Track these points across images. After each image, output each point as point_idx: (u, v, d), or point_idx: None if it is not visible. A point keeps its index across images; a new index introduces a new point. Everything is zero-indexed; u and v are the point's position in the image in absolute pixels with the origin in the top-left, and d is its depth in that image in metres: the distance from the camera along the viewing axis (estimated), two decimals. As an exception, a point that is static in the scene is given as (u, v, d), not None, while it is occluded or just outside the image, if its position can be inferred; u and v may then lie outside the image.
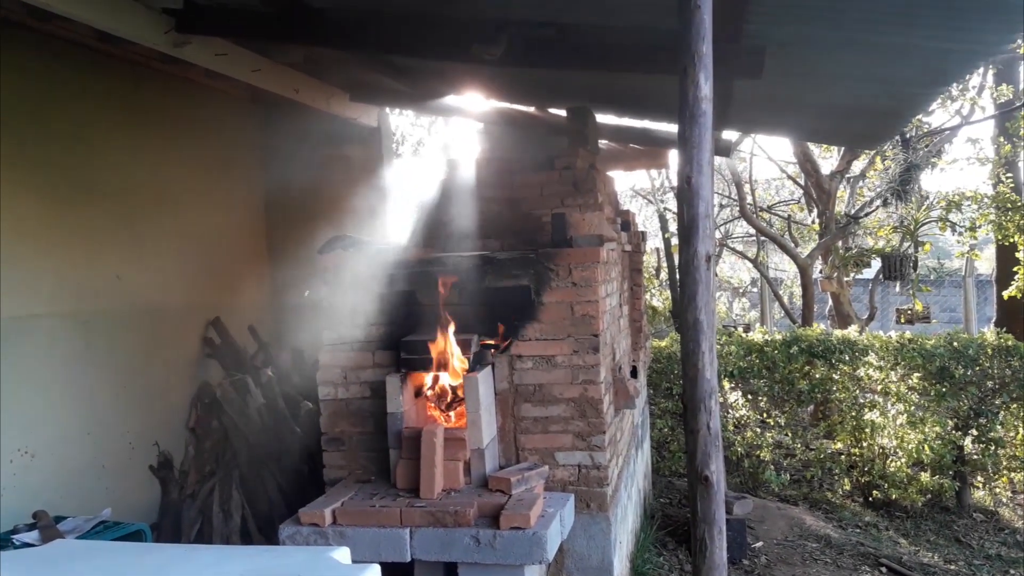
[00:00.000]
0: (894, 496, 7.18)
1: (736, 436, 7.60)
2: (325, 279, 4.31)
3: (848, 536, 6.36)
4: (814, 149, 11.26)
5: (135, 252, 5.35)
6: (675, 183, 11.43)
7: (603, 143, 6.15)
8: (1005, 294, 9.79)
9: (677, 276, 8.41)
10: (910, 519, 7.13)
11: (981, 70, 10.64)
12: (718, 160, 9.83)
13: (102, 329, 5.04)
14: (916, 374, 7.30)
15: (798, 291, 13.55)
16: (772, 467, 7.53)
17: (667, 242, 12.24)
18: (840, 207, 11.57)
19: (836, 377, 7.56)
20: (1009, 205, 9.33)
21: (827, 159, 11.89)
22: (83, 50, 4.92)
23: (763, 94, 4.69)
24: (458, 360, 4.01)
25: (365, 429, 4.23)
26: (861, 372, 7.51)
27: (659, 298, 12.84)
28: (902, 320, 13.34)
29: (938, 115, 11.63)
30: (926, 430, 7.12)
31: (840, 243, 11.30)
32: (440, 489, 3.77)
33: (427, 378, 4.11)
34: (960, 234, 10.54)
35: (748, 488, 7.34)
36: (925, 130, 10.70)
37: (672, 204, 13.24)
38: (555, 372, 4.03)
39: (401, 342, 4.10)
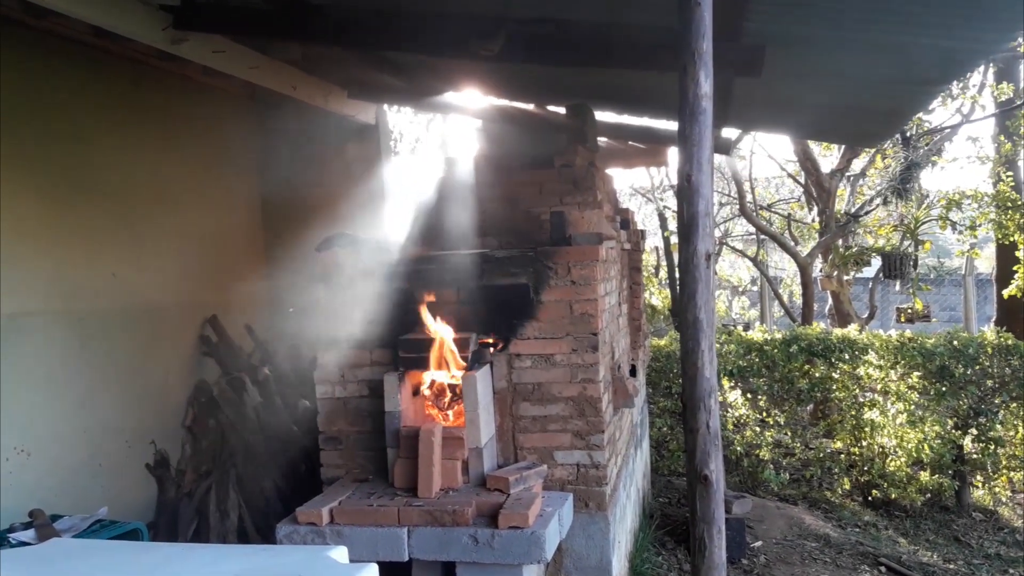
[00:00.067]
0: (893, 495, 7.18)
1: (735, 435, 7.59)
2: (322, 277, 4.30)
3: (847, 535, 6.35)
4: (814, 147, 11.24)
5: (131, 250, 5.33)
6: (675, 181, 11.42)
7: (602, 140, 6.13)
8: (1005, 293, 9.78)
9: (676, 274, 8.40)
10: (909, 518, 7.13)
11: (982, 68, 10.63)
12: (718, 158, 9.81)
13: (98, 327, 5.02)
14: (916, 373, 7.29)
15: (798, 290, 13.54)
16: (771, 466, 7.53)
17: (666, 240, 12.20)
18: (840, 205, 11.56)
19: (836, 376, 7.55)
20: (1009, 204, 9.32)
21: (827, 157, 11.87)
22: (80, 47, 4.91)
23: (763, 92, 4.67)
24: (456, 359, 4.00)
25: (363, 428, 4.22)
26: (861, 371, 7.50)
27: (658, 296, 12.82)
28: (902, 319, 13.29)
29: (938, 113, 11.68)
30: (926, 429, 7.11)
31: (840, 241, 11.29)
32: (438, 488, 3.75)
33: (425, 377, 4.09)
34: (960, 233, 10.53)
35: (747, 487, 7.33)
36: (925, 128, 10.69)
37: (671, 202, 13.24)
38: (554, 371, 4.01)
39: (399, 340, 4.08)
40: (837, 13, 3.34)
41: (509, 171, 4.80)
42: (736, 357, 7.76)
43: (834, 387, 7.59)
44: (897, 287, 12.23)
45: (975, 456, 7.23)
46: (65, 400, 4.75)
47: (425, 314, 4.03)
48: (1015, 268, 9.51)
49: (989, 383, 7.27)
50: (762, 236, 13.84)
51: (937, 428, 7.10)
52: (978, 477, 7.47)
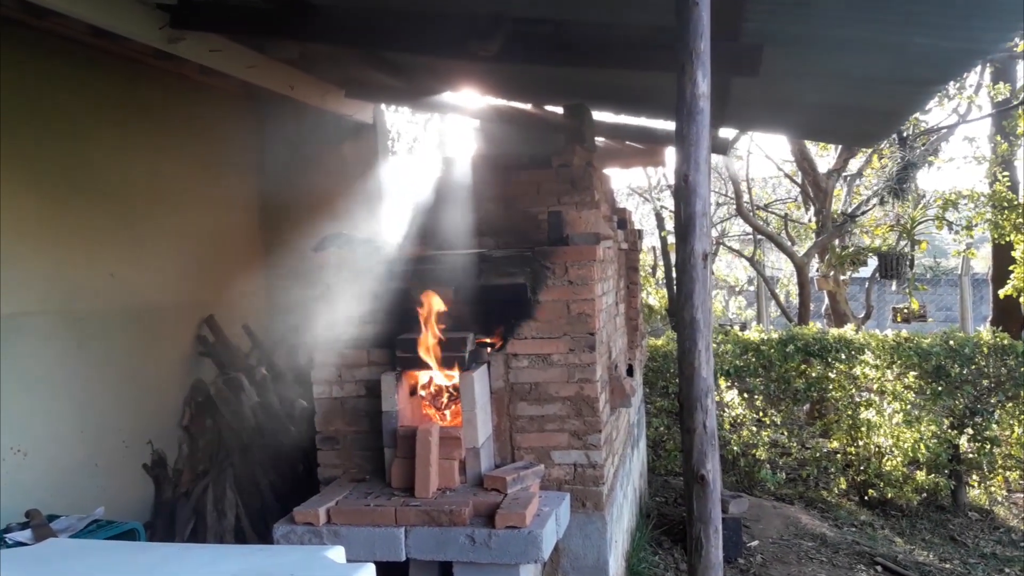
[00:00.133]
0: (890, 495, 7.19)
1: (732, 435, 7.60)
2: (320, 277, 4.30)
3: (844, 535, 6.36)
4: (811, 147, 11.26)
5: (129, 250, 5.32)
6: (672, 181, 11.42)
7: (600, 140, 6.13)
8: (1001, 293, 9.79)
9: (673, 274, 8.41)
10: (905, 518, 7.15)
11: (978, 68, 10.66)
12: (715, 158, 9.83)
13: (96, 327, 5.01)
14: (912, 373, 7.31)
15: (794, 290, 13.55)
16: (768, 466, 7.54)
17: (664, 240, 12.20)
18: (837, 205, 11.58)
19: (832, 376, 7.57)
20: (1005, 204, 9.33)
21: (824, 157, 11.89)
22: (78, 46, 4.89)
23: (761, 92, 4.68)
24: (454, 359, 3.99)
25: (360, 428, 4.21)
26: (857, 371, 7.51)
27: (655, 296, 12.82)
28: (898, 319, 13.33)
29: (935, 113, 11.72)
30: (922, 429, 7.13)
31: (837, 241, 11.30)
32: (435, 488, 3.75)
33: (422, 377, 4.09)
34: (956, 233, 10.55)
35: (744, 487, 7.34)
36: (922, 128, 10.71)
37: (669, 202, 13.26)
38: (551, 371, 4.01)
39: (397, 340, 4.08)
40: (835, 13, 3.35)
41: (507, 171, 4.80)
42: (733, 357, 7.77)
43: (830, 387, 7.61)
44: (893, 287, 12.26)
45: (971, 455, 7.25)
46: (62, 400, 4.74)
47: (424, 315, 4.02)
48: (1011, 268, 9.51)
49: (985, 383, 7.29)
50: (759, 236, 13.85)
51: (933, 428, 7.12)
52: (974, 476, 7.49)
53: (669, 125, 5.99)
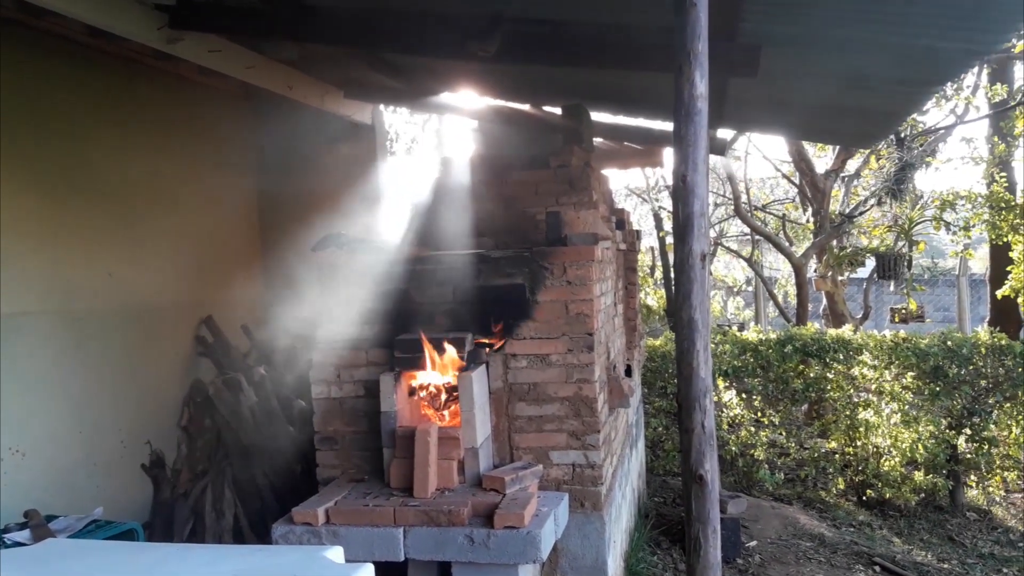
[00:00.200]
0: (888, 495, 7.20)
1: (730, 435, 7.61)
2: (318, 277, 4.29)
3: (842, 535, 6.37)
4: (809, 148, 11.27)
5: (128, 249, 5.32)
6: (670, 181, 11.43)
7: (598, 141, 6.14)
8: (999, 293, 9.81)
9: (672, 275, 8.42)
10: (904, 518, 7.15)
11: (976, 69, 10.67)
12: (713, 159, 9.83)
13: (94, 327, 5.01)
14: (910, 373, 7.31)
15: (792, 290, 13.57)
16: (766, 466, 7.54)
17: (662, 241, 12.22)
18: (835, 206, 11.58)
19: (830, 376, 7.58)
20: (1003, 204, 9.34)
21: (822, 158, 11.90)
22: (76, 47, 4.90)
23: (758, 92, 4.68)
24: (452, 359, 4.00)
25: (358, 428, 4.21)
26: (855, 371, 7.52)
27: (654, 297, 12.84)
28: (896, 319, 13.35)
29: (933, 114, 11.68)
30: (920, 429, 7.14)
31: (835, 242, 11.31)
32: (434, 488, 3.75)
33: (421, 377, 4.09)
34: (954, 233, 10.55)
35: (742, 487, 7.35)
36: (920, 129, 10.73)
37: (667, 202, 13.26)
38: (549, 371, 4.02)
39: (395, 341, 4.08)
40: (833, 13, 3.36)
41: (505, 171, 4.80)
42: (731, 357, 7.78)
43: (828, 387, 7.61)
44: (891, 287, 12.28)
45: (969, 456, 7.26)
46: (61, 400, 4.74)
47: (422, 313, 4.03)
48: (1009, 268, 9.53)
49: (983, 383, 7.30)
50: (757, 236, 13.86)
51: (931, 428, 7.13)
52: (972, 477, 7.50)
53: (667, 125, 6.01)
